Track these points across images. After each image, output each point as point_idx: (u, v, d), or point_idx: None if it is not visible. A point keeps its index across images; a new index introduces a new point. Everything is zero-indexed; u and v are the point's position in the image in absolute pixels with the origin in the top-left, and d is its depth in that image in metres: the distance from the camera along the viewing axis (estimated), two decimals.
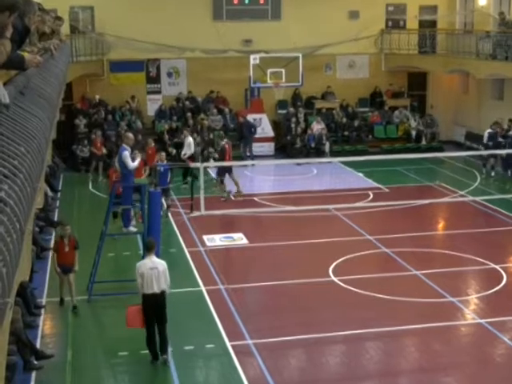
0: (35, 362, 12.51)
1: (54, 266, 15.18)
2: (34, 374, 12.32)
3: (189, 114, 31.70)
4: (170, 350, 13.24)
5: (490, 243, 19.56)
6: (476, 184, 26.22)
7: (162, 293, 12.59)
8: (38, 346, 13.19)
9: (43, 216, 19.63)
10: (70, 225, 15.17)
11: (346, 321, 14.41)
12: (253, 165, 28.78)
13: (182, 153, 24.48)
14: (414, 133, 32.78)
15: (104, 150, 27.82)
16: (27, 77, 8.99)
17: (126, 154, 16.21)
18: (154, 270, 12.46)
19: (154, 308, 12.60)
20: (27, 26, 8.70)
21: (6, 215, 4.48)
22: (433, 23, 35.08)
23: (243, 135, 30.16)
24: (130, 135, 17.15)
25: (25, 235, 5.15)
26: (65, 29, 25.66)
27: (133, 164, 16.46)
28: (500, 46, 29.11)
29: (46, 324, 14.74)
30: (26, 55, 7.99)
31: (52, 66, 14.02)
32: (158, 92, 33.40)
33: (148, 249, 12.99)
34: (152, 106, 33.05)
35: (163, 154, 21.66)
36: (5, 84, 6.86)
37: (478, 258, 18.13)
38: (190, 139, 24.98)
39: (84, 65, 30.03)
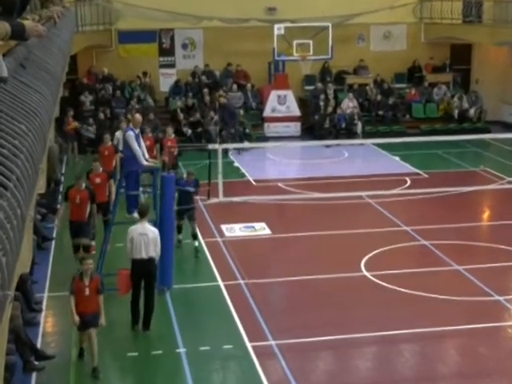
0: (35, 363, 12.61)
1: (72, 314, 12.30)
2: (34, 375, 12.42)
3: (205, 90, 31.70)
4: (183, 350, 13.34)
5: None
6: None
7: (150, 259, 13.72)
8: (38, 345, 13.28)
9: (45, 202, 19.74)
10: (92, 257, 12.75)
11: (379, 320, 14.39)
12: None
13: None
14: (456, 112, 32.59)
15: (76, 124, 28.57)
16: (28, 48, 9.03)
17: (131, 134, 16.09)
18: (143, 236, 13.63)
19: (141, 274, 13.81)
20: None
21: (6, 200, 4.51)
22: None
23: (224, 120, 29.90)
24: (138, 116, 17.00)
25: (26, 222, 5.18)
26: None
27: (137, 148, 16.36)
28: None
29: (47, 321, 14.84)
30: (27, 23, 8.03)
31: (55, 37, 14.07)
32: (172, 66, 33.43)
33: (140, 214, 14.13)
34: (165, 81, 33.07)
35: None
36: (4, 55, 6.90)
37: None
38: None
39: (90, 35, 30.05)
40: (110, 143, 20.85)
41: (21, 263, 5.00)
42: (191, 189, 17.18)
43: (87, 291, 12.12)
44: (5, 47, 7.31)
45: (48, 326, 14.70)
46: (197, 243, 17.76)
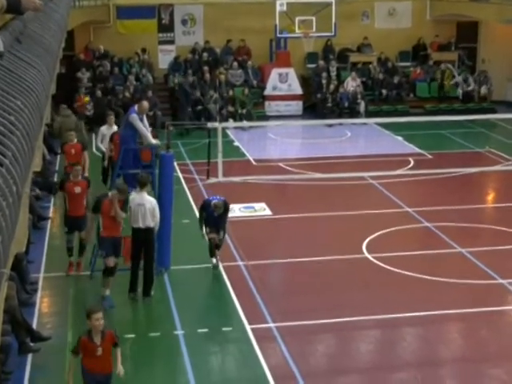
0: (31, 344, 12.64)
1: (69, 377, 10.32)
2: (30, 357, 12.45)
3: (206, 68, 31.63)
4: (181, 332, 13.38)
5: None
6: None
7: (148, 229, 14.27)
8: (34, 326, 13.32)
9: (41, 181, 19.78)
10: (101, 310, 10.01)
11: (381, 303, 14.43)
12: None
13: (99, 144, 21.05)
14: (460, 92, 32.53)
15: (87, 100, 28.60)
16: (24, 22, 9.02)
17: (135, 116, 16.24)
18: (141, 206, 14.17)
19: (140, 242, 14.36)
20: None
21: (2, 176, 4.52)
22: None
23: (179, 101, 29.96)
24: (145, 104, 17.07)
25: (22, 199, 5.19)
26: None
27: (142, 127, 16.44)
28: None
29: (43, 302, 14.87)
30: None
31: (52, 11, 14.04)
32: (172, 42, 33.36)
33: (140, 185, 14.49)
34: (164, 57, 33.01)
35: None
36: None
37: None
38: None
39: (87, 10, 30.01)
40: (75, 140, 18.94)
41: (16, 242, 5.01)
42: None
43: (100, 351, 10.00)
44: (0, 21, 7.30)
45: (44, 306, 14.72)
46: (214, 260, 15.98)
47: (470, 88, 32.77)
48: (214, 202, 15.59)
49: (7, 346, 11.58)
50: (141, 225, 14.28)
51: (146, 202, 14.30)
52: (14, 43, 7.89)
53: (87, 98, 28.81)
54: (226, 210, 15.82)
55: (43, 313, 14.38)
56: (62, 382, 11.81)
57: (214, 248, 15.73)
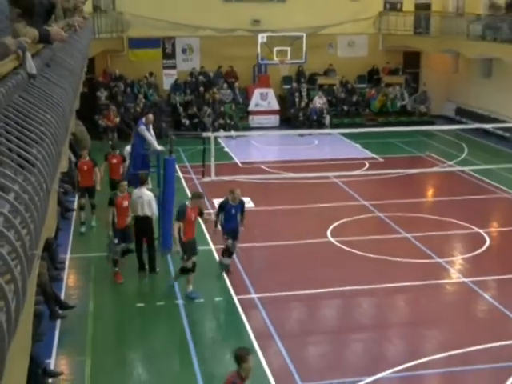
0: (60, 312, 12.64)
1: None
2: (58, 322, 12.47)
3: (201, 88, 31.62)
4: (181, 302, 13.37)
5: (475, 209, 19.58)
6: (463, 155, 26.18)
7: (146, 217, 14.34)
8: (62, 297, 13.32)
9: (68, 179, 19.67)
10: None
11: (342, 278, 14.48)
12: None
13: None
14: (398, 105, 32.95)
15: (117, 120, 28.02)
16: (53, 50, 8.95)
17: (143, 127, 16.30)
18: (140, 198, 14.29)
19: (140, 228, 14.43)
20: (53, 2, 8.68)
21: (34, 176, 4.50)
22: (427, 6, 34.67)
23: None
24: (151, 116, 17.04)
25: (50, 194, 5.17)
26: (88, 7, 25.54)
27: (150, 136, 16.38)
28: (489, 28, 28.90)
29: (69, 278, 14.87)
30: (52, 30, 7.96)
31: (76, 42, 13.94)
32: (173, 67, 33.22)
33: (140, 182, 14.68)
34: (167, 80, 32.89)
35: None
36: (33, 56, 6.84)
37: (463, 223, 18.16)
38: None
39: (105, 41, 29.85)
40: (87, 158, 17.63)
41: (46, 228, 4.99)
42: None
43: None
44: (34, 49, 7.25)
45: (70, 281, 14.71)
46: (228, 261, 14.78)
47: (405, 102, 32.99)
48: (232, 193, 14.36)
49: (40, 313, 11.54)
50: (140, 213, 14.31)
51: (144, 196, 14.38)
52: (44, 67, 7.83)
53: (118, 118, 28.56)
54: (242, 205, 14.54)
55: (69, 286, 14.38)
56: (85, 343, 11.84)
57: (225, 252, 14.59)
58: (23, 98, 5.86)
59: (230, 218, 14.26)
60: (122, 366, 11.30)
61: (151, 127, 16.85)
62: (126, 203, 14.16)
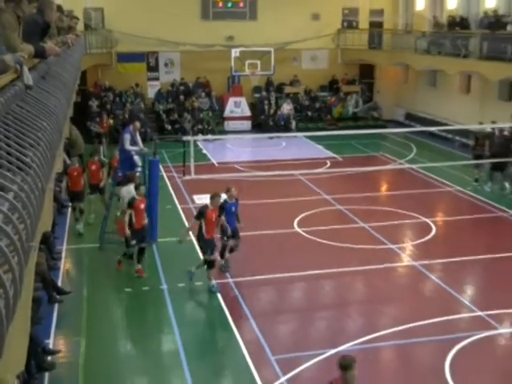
0: (57, 297, 12.53)
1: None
2: (56, 306, 12.35)
3: (182, 97, 31.50)
4: (165, 286, 13.30)
5: (423, 202, 19.74)
6: (412, 155, 26.38)
7: None
8: (59, 284, 13.19)
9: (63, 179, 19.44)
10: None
11: (307, 263, 14.50)
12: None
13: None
14: (351, 112, 33.13)
15: (111, 122, 27.55)
16: (48, 64, 8.84)
17: (127, 136, 16.01)
18: (129, 194, 14.19)
19: None
20: (48, 22, 8.56)
21: (30, 176, 4.44)
22: (380, 24, 34.90)
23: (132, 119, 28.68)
24: (137, 124, 16.75)
25: (46, 193, 5.11)
26: (80, 26, 25.23)
27: (130, 148, 16.15)
28: (433, 44, 29.15)
29: (65, 266, 14.70)
30: (47, 45, 7.86)
31: (69, 57, 13.78)
32: (157, 79, 33.05)
33: (128, 180, 14.74)
34: (151, 90, 32.73)
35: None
36: (30, 69, 6.74)
37: (412, 214, 18.30)
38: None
39: (96, 56, 29.59)
40: (77, 164, 17.03)
41: (42, 223, 4.93)
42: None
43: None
44: (30, 63, 7.15)
45: (65, 269, 14.55)
46: (223, 261, 13.95)
47: (357, 110, 33.20)
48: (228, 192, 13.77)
49: (39, 298, 11.40)
50: None
51: (132, 191, 14.29)
52: (40, 80, 7.73)
53: (112, 121, 28.20)
54: (237, 201, 14.01)
55: (66, 274, 14.24)
56: (80, 325, 11.73)
57: (225, 251, 13.87)
58: (21, 107, 5.78)
59: (231, 217, 13.59)
60: (113, 345, 11.22)
61: (137, 133, 16.65)
62: (142, 206, 13.75)
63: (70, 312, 12.30)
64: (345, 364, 6.80)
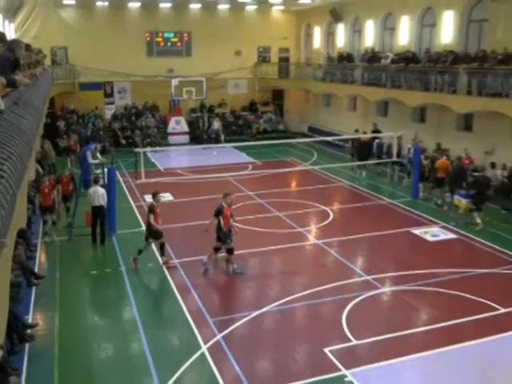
0: (34, 281, 12.02)
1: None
2: (33, 289, 11.85)
3: (133, 118, 30.86)
4: (124, 268, 13.00)
5: (322, 194, 20.08)
6: (314, 158, 26.79)
7: (100, 206, 14.23)
8: (35, 269, 12.65)
9: (36, 185, 18.60)
10: None
11: (236, 245, 14.43)
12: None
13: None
14: (262, 128, 33.12)
15: (76, 139, 26.37)
16: (19, 93, 8.43)
17: (89, 153, 15.86)
18: (96, 193, 14.16)
19: (96, 214, 14.32)
20: (17, 58, 8.15)
21: (2, 184, 4.21)
22: (287, 59, 35.25)
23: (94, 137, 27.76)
24: (98, 146, 16.43)
25: (17, 196, 4.85)
26: (48, 62, 24.39)
27: (92, 161, 15.92)
28: (327, 73, 29.68)
29: (40, 255, 14.12)
30: (17, 77, 7.47)
31: (38, 87, 13.23)
32: (112, 103, 32.18)
33: (94, 181, 14.36)
34: (109, 112, 31.85)
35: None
36: (2, 97, 6.40)
37: (315, 204, 18.59)
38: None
39: (62, 85, 28.65)
40: (47, 182, 15.27)
41: (17, 221, 4.69)
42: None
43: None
44: (3, 92, 6.79)
45: (41, 258, 13.98)
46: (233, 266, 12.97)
47: (263, 126, 33.15)
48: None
49: (19, 283, 10.99)
50: (96, 203, 14.18)
51: (98, 190, 14.16)
52: (12, 105, 7.35)
53: (75, 138, 26.84)
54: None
55: (41, 262, 13.67)
56: (54, 302, 11.28)
57: (229, 252, 12.88)
58: None
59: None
60: (82, 318, 10.85)
61: (98, 153, 16.45)
62: (158, 210, 12.98)
63: (45, 292, 11.83)
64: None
